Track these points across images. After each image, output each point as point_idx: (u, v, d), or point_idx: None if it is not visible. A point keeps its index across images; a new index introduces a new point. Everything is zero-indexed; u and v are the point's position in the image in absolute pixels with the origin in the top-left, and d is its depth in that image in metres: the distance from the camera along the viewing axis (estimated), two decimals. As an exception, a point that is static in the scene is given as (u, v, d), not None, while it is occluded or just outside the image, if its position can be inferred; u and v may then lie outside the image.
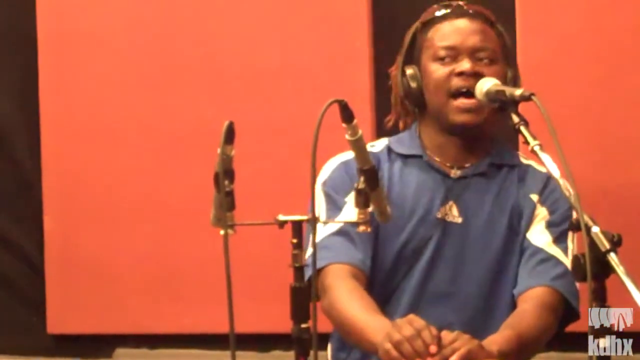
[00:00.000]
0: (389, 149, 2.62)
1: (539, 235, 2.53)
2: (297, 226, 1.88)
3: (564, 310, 2.49)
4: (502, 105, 2.30)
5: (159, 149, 3.69)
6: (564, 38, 3.29)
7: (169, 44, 3.69)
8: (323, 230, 2.49)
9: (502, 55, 2.56)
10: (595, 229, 1.88)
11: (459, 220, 2.54)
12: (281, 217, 1.90)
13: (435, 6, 2.62)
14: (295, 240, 1.88)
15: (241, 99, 3.58)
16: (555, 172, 2.06)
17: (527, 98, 2.20)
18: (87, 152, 3.75)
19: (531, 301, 2.46)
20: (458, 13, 2.56)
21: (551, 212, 2.55)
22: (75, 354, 3.80)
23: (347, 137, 1.98)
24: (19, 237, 3.86)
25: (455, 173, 2.57)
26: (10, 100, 3.88)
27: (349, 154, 2.58)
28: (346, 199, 2.53)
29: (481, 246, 2.53)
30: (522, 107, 2.24)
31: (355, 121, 1.96)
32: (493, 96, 2.35)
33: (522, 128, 2.16)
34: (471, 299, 2.54)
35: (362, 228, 2.00)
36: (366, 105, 3.42)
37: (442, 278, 2.53)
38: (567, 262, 2.49)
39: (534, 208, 2.55)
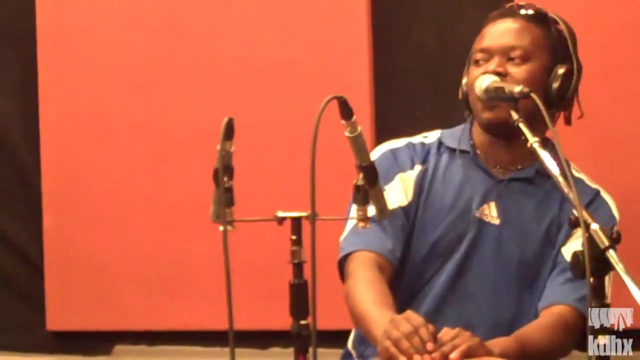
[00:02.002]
0: (440, 142, 2.61)
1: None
2: (297, 223, 1.88)
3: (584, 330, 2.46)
4: (501, 102, 2.30)
5: (157, 146, 3.69)
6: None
7: (167, 42, 3.69)
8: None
9: (546, 51, 2.52)
10: (594, 226, 1.88)
11: (497, 221, 2.52)
12: (280, 214, 1.90)
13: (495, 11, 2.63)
14: (294, 237, 1.88)
15: (240, 96, 3.58)
16: (554, 170, 2.06)
17: (525, 95, 2.20)
18: (86, 149, 3.75)
19: (550, 317, 2.43)
20: (502, 14, 2.55)
21: None
22: (75, 351, 3.81)
23: (347, 133, 1.98)
24: (18, 235, 3.86)
25: (500, 174, 2.56)
26: (9, 98, 3.89)
27: (401, 142, 2.58)
28: (386, 187, 2.50)
29: (515, 251, 2.51)
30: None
31: (354, 117, 1.96)
32: (492, 93, 2.35)
33: (522, 125, 2.16)
34: (498, 303, 2.52)
35: (360, 224, 1.99)
36: (365, 102, 3.43)
37: (473, 278, 2.52)
38: None
39: None
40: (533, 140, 2.10)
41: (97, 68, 3.77)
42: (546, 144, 2.28)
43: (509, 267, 2.51)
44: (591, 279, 1.85)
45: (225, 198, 1.87)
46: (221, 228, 1.86)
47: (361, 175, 2.00)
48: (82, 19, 3.79)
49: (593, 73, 3.25)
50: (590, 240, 1.87)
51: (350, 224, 2.54)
